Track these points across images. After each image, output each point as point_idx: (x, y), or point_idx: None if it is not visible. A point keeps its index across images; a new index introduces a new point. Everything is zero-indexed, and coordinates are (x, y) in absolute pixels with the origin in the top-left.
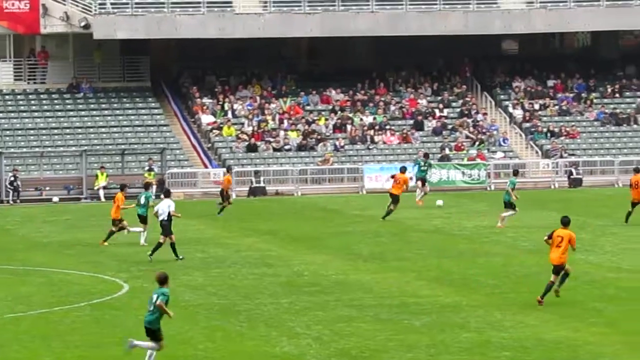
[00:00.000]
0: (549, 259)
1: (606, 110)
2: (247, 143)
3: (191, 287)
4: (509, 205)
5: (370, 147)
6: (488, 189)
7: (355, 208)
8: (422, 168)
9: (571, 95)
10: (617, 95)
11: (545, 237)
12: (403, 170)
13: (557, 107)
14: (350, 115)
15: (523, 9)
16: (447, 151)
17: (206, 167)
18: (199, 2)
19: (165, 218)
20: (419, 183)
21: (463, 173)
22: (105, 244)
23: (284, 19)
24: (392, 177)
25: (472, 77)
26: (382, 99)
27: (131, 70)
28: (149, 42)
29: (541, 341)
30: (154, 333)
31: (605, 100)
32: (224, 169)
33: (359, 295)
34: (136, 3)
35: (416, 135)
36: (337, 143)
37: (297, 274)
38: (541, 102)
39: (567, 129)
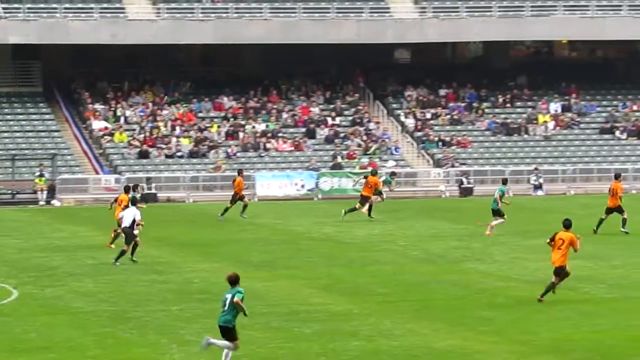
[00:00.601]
0: (551, 261)
1: (497, 120)
2: (138, 149)
3: (82, 293)
4: (497, 212)
5: (262, 154)
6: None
7: (247, 215)
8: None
9: (463, 104)
10: (509, 105)
11: (548, 240)
12: (374, 173)
13: (448, 116)
14: (243, 122)
15: (416, 18)
16: (339, 159)
17: (97, 173)
18: (92, 8)
19: (128, 225)
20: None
21: (355, 181)
22: (112, 246)
23: (177, 25)
24: (365, 177)
25: (364, 86)
26: (275, 106)
27: (23, 76)
28: (41, 47)
29: (431, 350)
30: (229, 332)
31: (497, 110)
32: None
33: (250, 302)
34: (28, 8)
35: (308, 143)
36: (229, 150)
37: (187, 281)
38: (433, 111)
39: (459, 138)
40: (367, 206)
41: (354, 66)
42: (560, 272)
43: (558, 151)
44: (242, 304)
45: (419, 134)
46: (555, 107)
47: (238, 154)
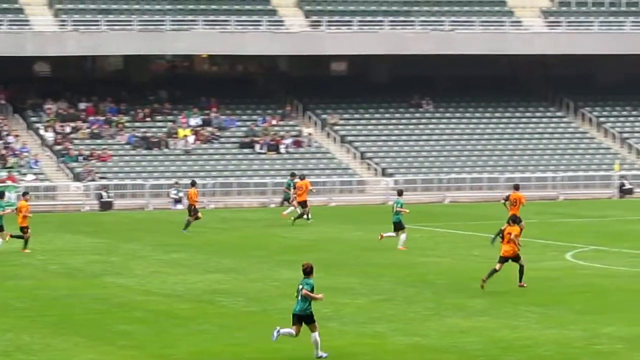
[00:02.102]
0: (501, 252)
1: (137, 134)
2: None
3: None
4: (399, 225)
5: None
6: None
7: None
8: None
9: (103, 118)
10: (149, 119)
11: (499, 234)
12: (303, 177)
13: (88, 130)
14: None
15: (56, 31)
16: None
17: None
18: None
19: None
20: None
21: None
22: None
23: None
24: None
25: (4, 100)
26: None
27: None
28: None
29: None
30: (308, 318)
31: (137, 124)
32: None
33: None
34: None
35: None
36: None
37: None
38: (73, 125)
39: (99, 152)
40: (306, 209)
41: None
42: (506, 261)
43: (198, 165)
44: (310, 294)
45: (59, 147)
46: (195, 121)
47: None
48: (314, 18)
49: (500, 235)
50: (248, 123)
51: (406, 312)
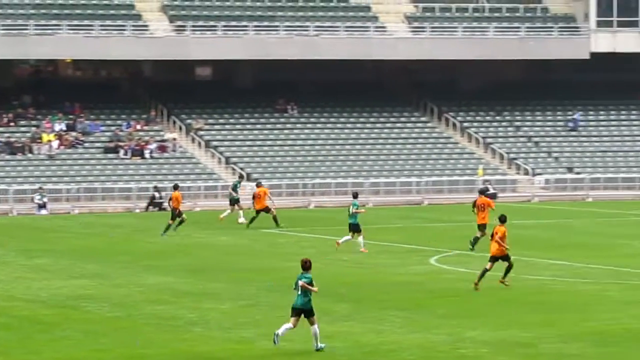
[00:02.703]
0: (490, 251)
1: (1, 139)
2: None
3: None
4: (355, 227)
5: None
6: None
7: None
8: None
9: None
10: (12, 124)
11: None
12: (259, 184)
13: None
14: None
15: None
16: None
17: None
18: None
19: None
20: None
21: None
22: None
23: None
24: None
25: None
26: None
27: None
28: None
29: None
30: (308, 312)
31: (1, 129)
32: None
33: None
34: None
35: None
36: None
37: None
38: None
39: None
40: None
41: None
42: (496, 260)
43: (62, 170)
44: (307, 286)
45: None
46: (59, 126)
47: None
48: (179, 23)
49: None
50: (113, 128)
51: (272, 317)
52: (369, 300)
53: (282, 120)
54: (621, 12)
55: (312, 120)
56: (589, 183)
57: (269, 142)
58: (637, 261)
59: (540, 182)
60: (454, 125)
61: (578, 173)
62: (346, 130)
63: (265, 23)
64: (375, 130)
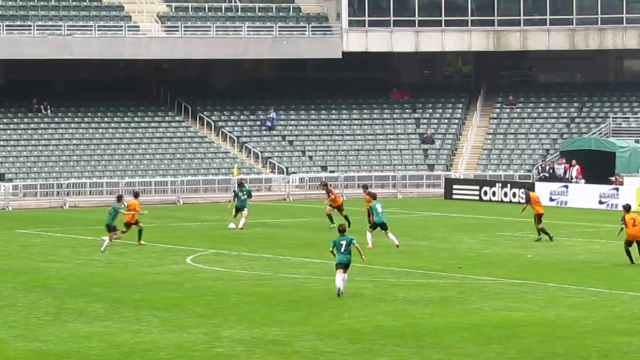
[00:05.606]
0: (630, 235)
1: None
2: None
3: None
4: (384, 226)
5: None
6: None
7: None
8: (242, 197)
9: None
10: None
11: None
12: (137, 195)
13: None
14: None
15: None
16: None
17: None
18: None
19: None
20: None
21: None
22: None
23: None
24: None
25: None
26: None
27: None
28: None
29: None
30: (348, 266)
31: None
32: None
33: None
34: None
35: None
36: None
37: None
38: None
39: None
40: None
41: None
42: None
43: None
44: (359, 249)
45: None
46: None
47: None
48: None
49: None
50: None
51: (27, 317)
52: (125, 300)
53: (36, 120)
54: (372, 12)
55: (66, 120)
56: (343, 182)
57: (22, 142)
58: (390, 259)
59: (294, 180)
60: (209, 124)
61: (332, 172)
62: (100, 130)
63: (18, 22)
64: (130, 130)
